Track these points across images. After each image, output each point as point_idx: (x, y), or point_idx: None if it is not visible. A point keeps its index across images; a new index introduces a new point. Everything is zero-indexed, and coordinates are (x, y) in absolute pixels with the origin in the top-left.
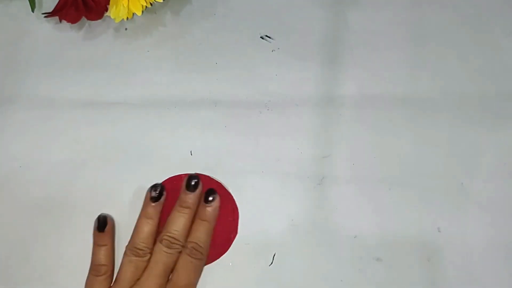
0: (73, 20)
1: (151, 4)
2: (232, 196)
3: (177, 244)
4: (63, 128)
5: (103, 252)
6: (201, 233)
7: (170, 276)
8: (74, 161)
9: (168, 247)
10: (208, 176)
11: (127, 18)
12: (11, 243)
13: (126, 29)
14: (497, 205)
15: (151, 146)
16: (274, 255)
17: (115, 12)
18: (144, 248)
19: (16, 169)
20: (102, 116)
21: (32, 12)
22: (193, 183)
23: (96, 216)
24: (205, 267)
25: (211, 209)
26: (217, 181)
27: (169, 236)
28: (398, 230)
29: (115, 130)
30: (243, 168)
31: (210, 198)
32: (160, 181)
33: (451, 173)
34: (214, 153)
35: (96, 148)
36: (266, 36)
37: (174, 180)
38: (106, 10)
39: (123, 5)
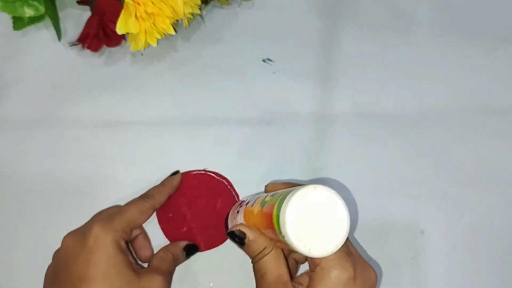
0: (95, 48)
1: (164, 34)
2: (237, 195)
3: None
4: (88, 145)
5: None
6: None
7: None
8: (98, 175)
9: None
10: (218, 173)
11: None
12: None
13: (142, 54)
14: (475, 210)
15: (167, 160)
16: None
17: (134, 46)
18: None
19: (49, 182)
20: (122, 134)
21: (58, 41)
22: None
23: None
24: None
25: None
26: (227, 179)
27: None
28: (386, 232)
29: (134, 147)
30: (248, 178)
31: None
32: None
33: (433, 182)
34: (224, 166)
35: (117, 163)
36: (268, 59)
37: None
38: (124, 38)
39: (141, 40)
